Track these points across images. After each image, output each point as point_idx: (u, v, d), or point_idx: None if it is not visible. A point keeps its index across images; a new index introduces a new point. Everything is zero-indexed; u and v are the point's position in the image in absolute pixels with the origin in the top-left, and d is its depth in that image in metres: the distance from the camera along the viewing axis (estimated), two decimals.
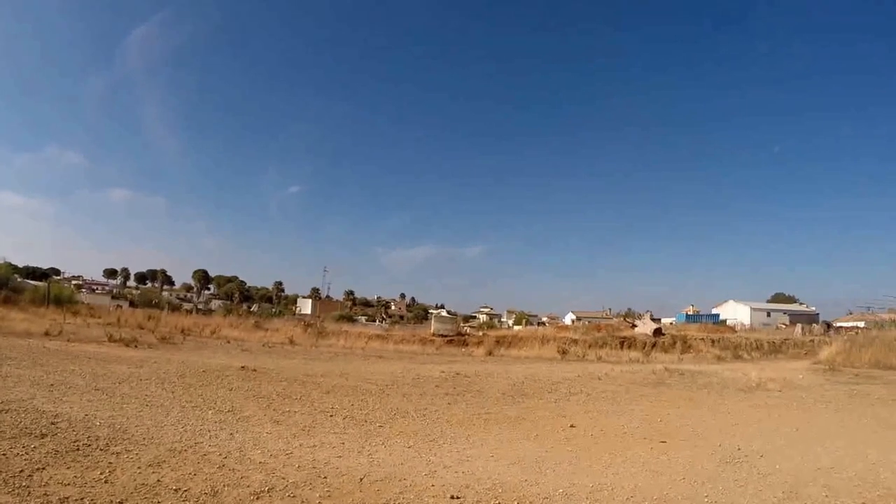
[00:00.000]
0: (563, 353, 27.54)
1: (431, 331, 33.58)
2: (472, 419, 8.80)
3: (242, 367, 12.83)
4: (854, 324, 50.99)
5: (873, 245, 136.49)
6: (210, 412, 7.71)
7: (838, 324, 53.46)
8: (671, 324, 52.31)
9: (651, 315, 42.62)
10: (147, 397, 8.38)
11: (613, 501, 4.92)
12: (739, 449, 7.24)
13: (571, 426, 8.47)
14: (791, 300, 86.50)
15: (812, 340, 33.48)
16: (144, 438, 5.87)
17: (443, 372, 14.91)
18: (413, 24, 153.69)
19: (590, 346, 30.29)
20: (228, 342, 22.20)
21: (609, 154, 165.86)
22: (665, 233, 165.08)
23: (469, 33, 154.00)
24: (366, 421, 8.06)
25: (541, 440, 7.51)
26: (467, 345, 29.93)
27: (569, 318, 79.65)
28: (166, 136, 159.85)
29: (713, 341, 32.30)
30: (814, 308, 77.28)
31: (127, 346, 16.11)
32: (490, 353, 26.49)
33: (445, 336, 31.92)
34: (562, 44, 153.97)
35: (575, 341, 31.60)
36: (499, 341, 30.93)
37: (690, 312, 68.54)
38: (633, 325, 37.61)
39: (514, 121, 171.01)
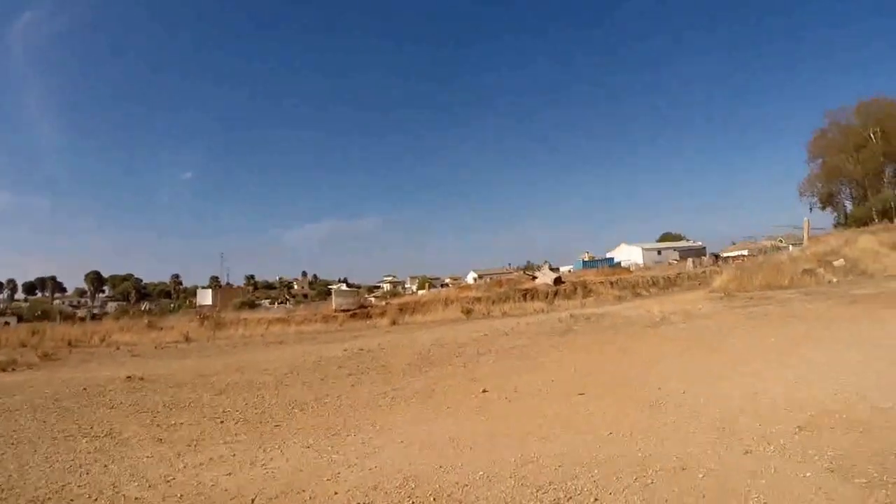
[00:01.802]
0: (468, 312, 27.52)
1: (333, 306, 32.50)
2: (378, 400, 8.12)
3: (128, 377, 11.34)
4: (739, 253, 55.13)
5: (747, 181, 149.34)
6: (84, 440, 6.53)
7: (725, 254, 57.38)
8: (569, 271, 53.91)
9: (550, 265, 43.72)
10: (15, 433, 7.01)
11: (541, 476, 4.40)
12: (660, 389, 7.09)
13: (484, 391, 8.00)
14: (678, 238, 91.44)
15: (704, 272, 35.79)
16: (3, 489, 4.86)
17: (345, 350, 14.17)
18: (291, 4, 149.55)
19: (493, 303, 30.57)
20: (118, 349, 19.97)
21: (496, 113, 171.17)
22: (554, 184, 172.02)
23: (351, 7, 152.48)
24: (260, 422, 7.19)
25: (453, 413, 6.97)
26: (371, 317, 29.25)
27: (471, 277, 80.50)
28: (47, 131, 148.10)
29: (612, 283, 33.59)
30: (700, 242, 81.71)
31: (3, 370, 13.89)
32: (394, 323, 26.04)
33: (348, 310, 30.95)
34: (447, 20, 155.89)
35: (478, 299, 31.75)
36: (402, 309, 30.57)
37: (587, 259, 71.07)
38: (534, 277, 38.29)
39: (401, 92, 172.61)
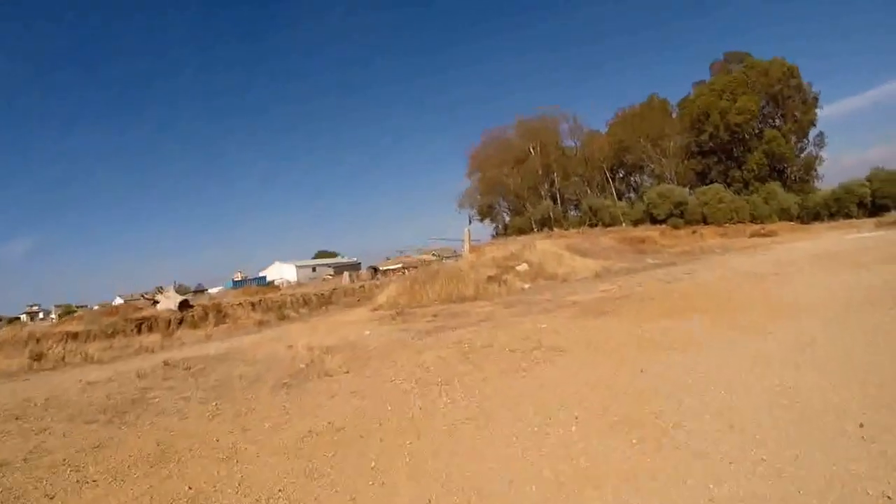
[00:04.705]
0: (38, 358, 18.86)
1: None
2: None
3: None
4: (395, 266, 55.31)
5: (403, 196, 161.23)
6: None
7: (384, 267, 57.21)
8: (217, 292, 48.99)
9: (177, 286, 36.03)
10: None
11: None
12: None
13: None
14: (333, 255, 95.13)
15: (362, 286, 32.72)
16: None
17: None
18: None
19: (92, 339, 22.31)
20: None
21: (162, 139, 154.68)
22: (210, 203, 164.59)
23: None
24: None
25: None
26: None
27: (118, 303, 68.26)
28: None
29: (253, 305, 28.00)
30: (355, 258, 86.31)
31: None
32: None
33: None
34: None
35: (74, 336, 22.89)
36: None
37: (238, 279, 68.49)
38: (155, 302, 30.40)
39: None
